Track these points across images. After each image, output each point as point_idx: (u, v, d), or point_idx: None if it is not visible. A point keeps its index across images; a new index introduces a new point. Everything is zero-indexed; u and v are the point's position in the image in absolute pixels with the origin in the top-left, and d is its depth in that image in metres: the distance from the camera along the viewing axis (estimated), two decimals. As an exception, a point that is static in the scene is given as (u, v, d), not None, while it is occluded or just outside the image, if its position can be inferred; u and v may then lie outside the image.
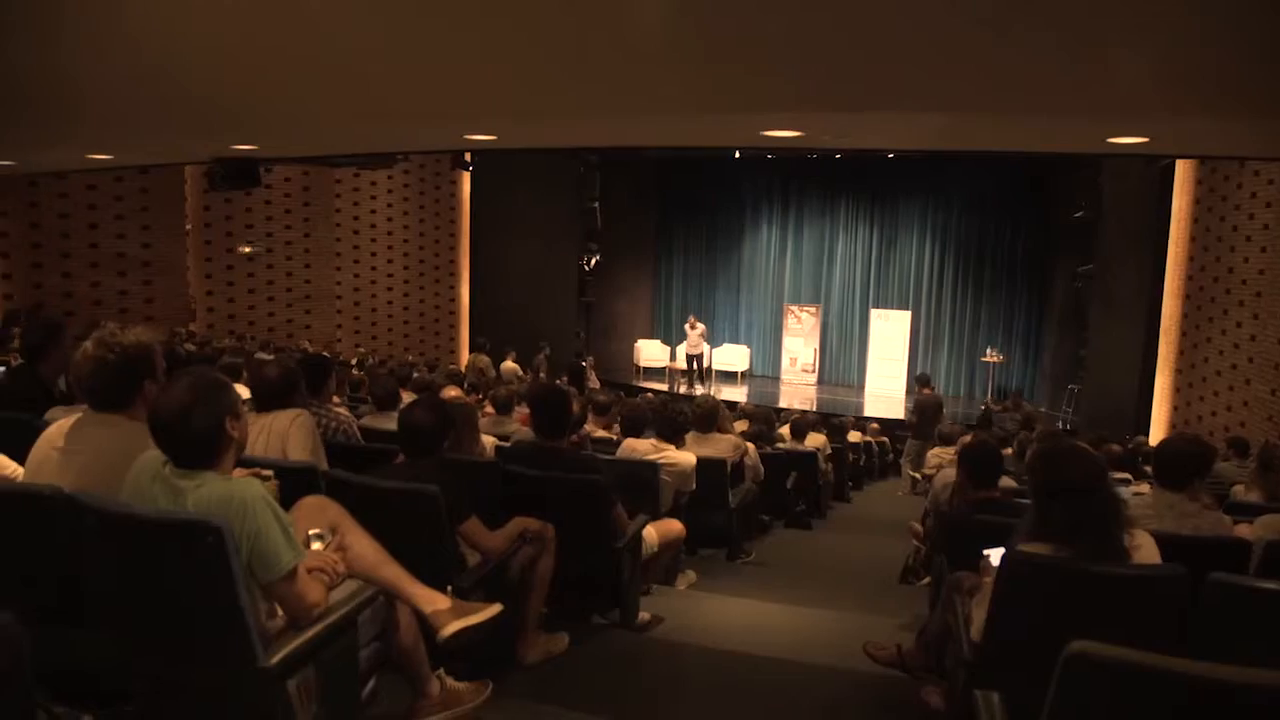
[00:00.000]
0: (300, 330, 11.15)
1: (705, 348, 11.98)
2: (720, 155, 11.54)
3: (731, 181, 13.38)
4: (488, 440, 3.42)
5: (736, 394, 11.96)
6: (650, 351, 14.18)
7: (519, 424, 4.53)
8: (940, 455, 5.79)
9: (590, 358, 12.08)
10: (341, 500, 2.25)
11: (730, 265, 13.86)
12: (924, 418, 7.76)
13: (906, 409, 10.80)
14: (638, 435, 3.90)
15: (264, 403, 2.90)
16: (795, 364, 13.19)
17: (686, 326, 12.06)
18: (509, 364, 10.19)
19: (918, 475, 6.63)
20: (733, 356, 13.53)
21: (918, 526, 4.17)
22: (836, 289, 13.28)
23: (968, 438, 3.89)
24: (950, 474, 3.45)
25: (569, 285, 12.99)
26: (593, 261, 12.83)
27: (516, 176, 12.23)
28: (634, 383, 13.15)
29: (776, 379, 13.31)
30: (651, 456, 3.66)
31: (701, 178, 13.57)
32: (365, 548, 2.21)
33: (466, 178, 12.27)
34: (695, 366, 12.02)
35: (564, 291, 12.97)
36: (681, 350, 13.16)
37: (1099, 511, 2.12)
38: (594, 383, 11.14)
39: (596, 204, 12.49)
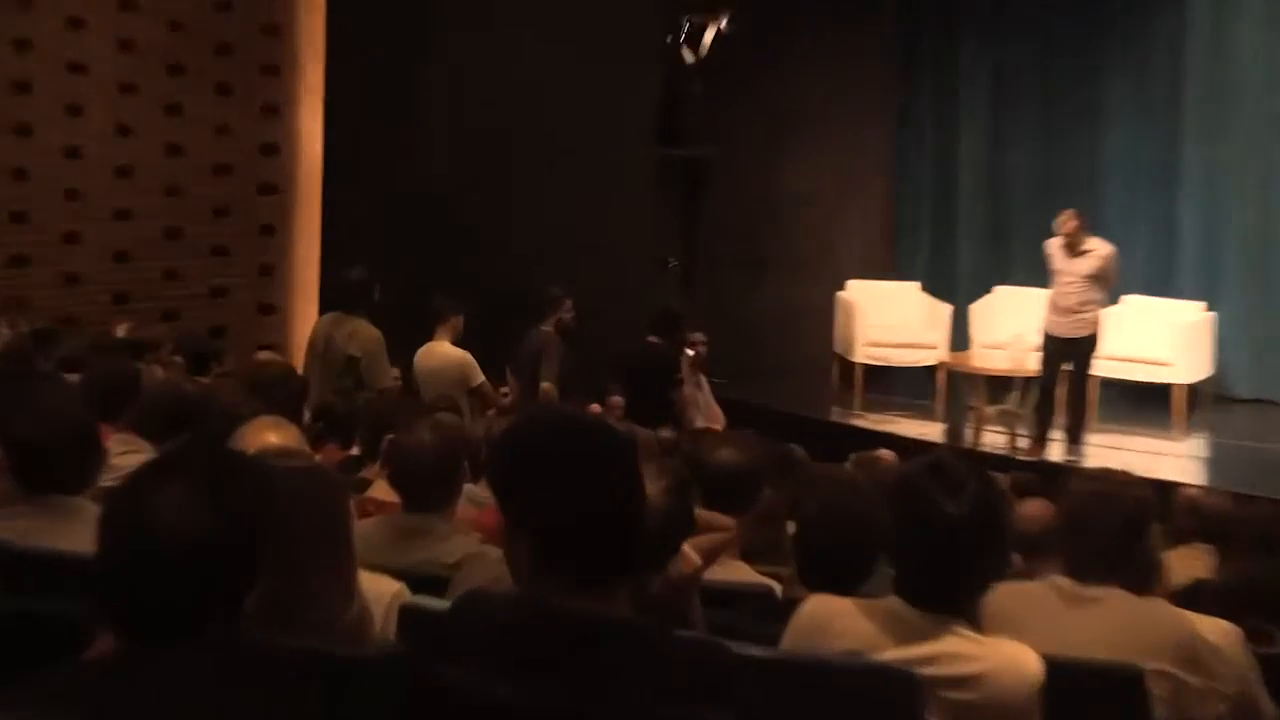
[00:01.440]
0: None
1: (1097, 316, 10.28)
2: None
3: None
4: (378, 588, 3.17)
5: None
6: (885, 315, 12.90)
7: (475, 533, 4.18)
8: None
9: (699, 337, 10.68)
10: None
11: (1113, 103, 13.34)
12: None
13: None
14: (844, 587, 3.31)
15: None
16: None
17: (1055, 245, 10.23)
18: (444, 349, 8.81)
19: None
20: (1152, 340, 11.81)
21: None
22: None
23: None
24: None
25: (630, 127, 12.35)
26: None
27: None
28: (844, 411, 12.27)
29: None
30: (906, 656, 2.94)
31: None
32: None
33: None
34: (1070, 367, 10.43)
35: (617, 157, 12.25)
36: (990, 315, 12.18)
37: None
38: (704, 409, 10.09)
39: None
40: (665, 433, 7.76)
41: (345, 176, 11.94)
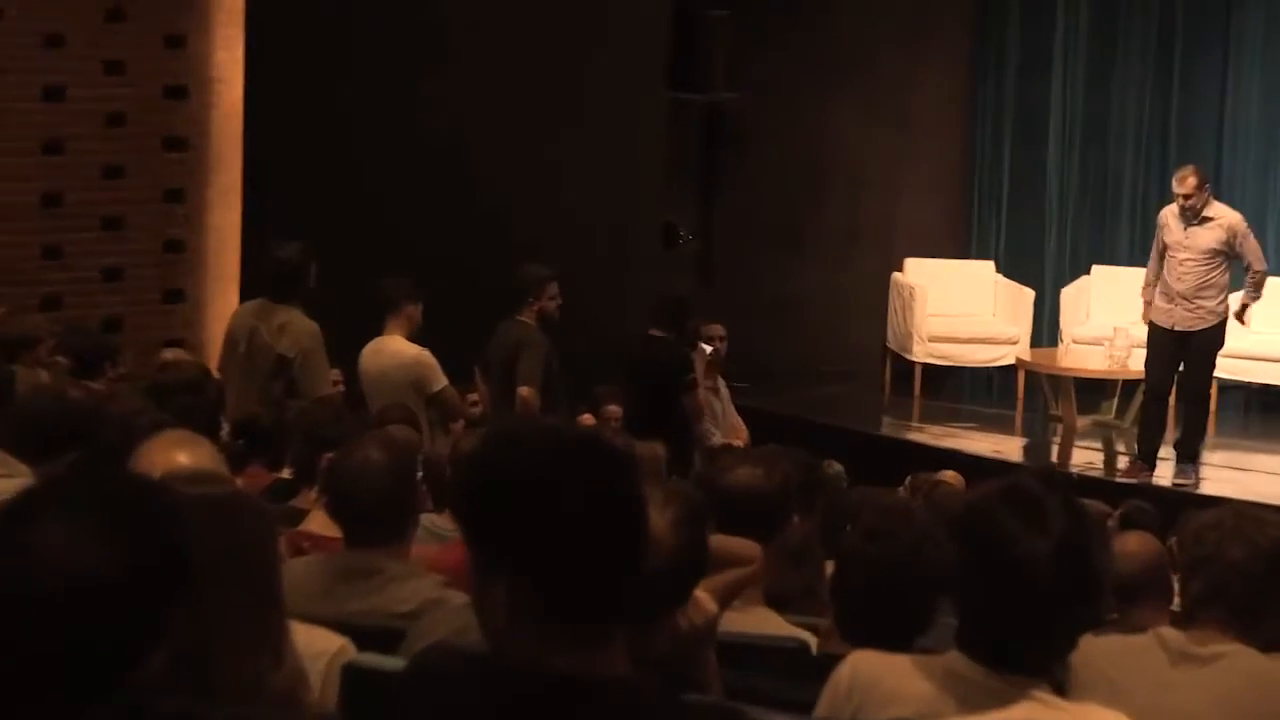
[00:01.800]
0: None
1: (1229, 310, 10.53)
2: None
3: None
4: (315, 643, 3.28)
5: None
6: (952, 302, 13.14)
7: (435, 574, 4.29)
8: None
9: (717, 330, 10.87)
10: None
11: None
12: None
13: None
14: (895, 641, 3.41)
15: None
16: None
17: (1170, 212, 10.34)
18: (397, 345, 8.94)
19: None
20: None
21: None
22: None
23: None
24: None
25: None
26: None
27: None
28: (899, 423, 12.65)
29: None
30: None
31: None
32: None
33: None
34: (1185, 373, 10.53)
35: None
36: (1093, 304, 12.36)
37: None
38: (722, 419, 10.36)
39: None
40: (673, 449, 7.82)
41: (273, 128, 11.97)
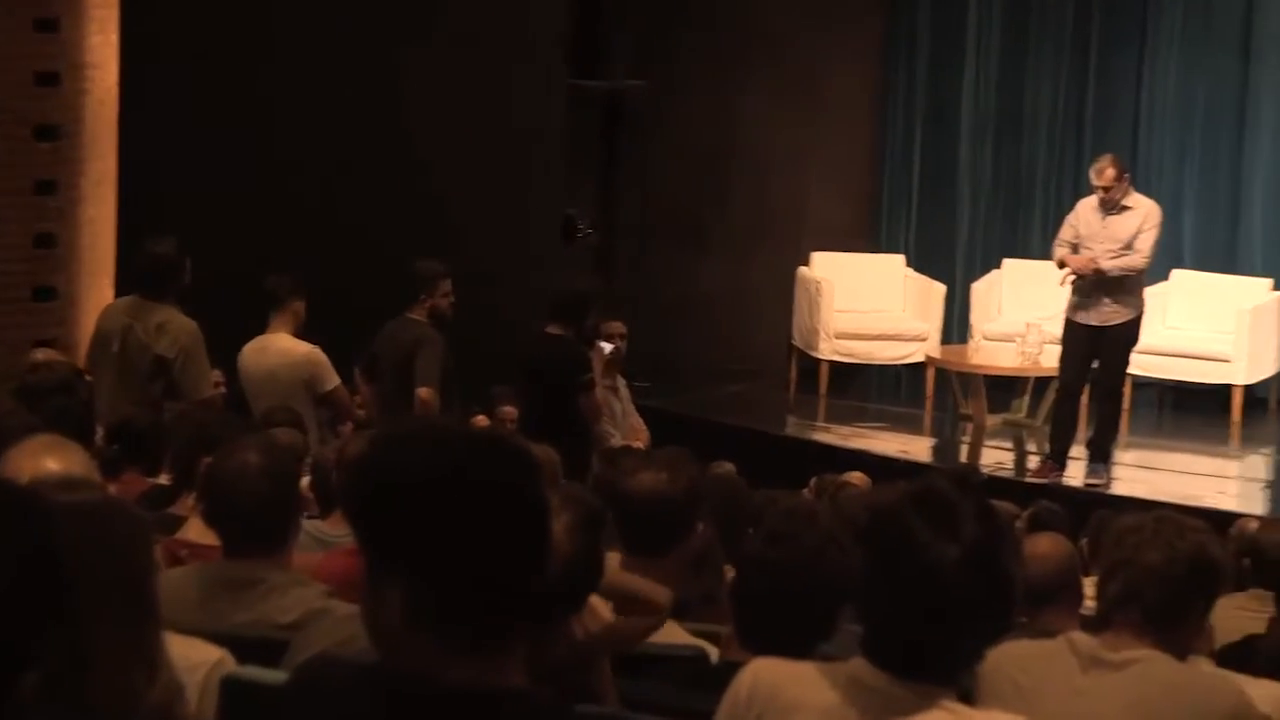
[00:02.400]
0: None
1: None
2: None
3: None
4: (192, 655, 3.31)
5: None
6: (860, 298, 13.29)
7: (319, 584, 4.30)
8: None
9: (617, 327, 10.88)
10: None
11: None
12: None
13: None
14: (797, 649, 3.31)
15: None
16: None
17: (1089, 204, 10.44)
18: (285, 343, 8.94)
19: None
20: (1207, 329, 12.44)
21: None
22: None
23: None
24: None
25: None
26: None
27: None
28: (804, 423, 12.62)
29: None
30: None
31: None
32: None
33: None
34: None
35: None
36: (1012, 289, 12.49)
37: None
38: (621, 420, 10.50)
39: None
40: (570, 451, 7.82)
41: (149, 116, 11.95)
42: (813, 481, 8.44)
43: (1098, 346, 10.17)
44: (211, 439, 5.43)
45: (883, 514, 2.92)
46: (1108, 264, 9.90)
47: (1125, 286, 10.04)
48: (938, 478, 3.26)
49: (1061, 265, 10.08)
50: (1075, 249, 10.02)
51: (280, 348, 8.96)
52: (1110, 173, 10.00)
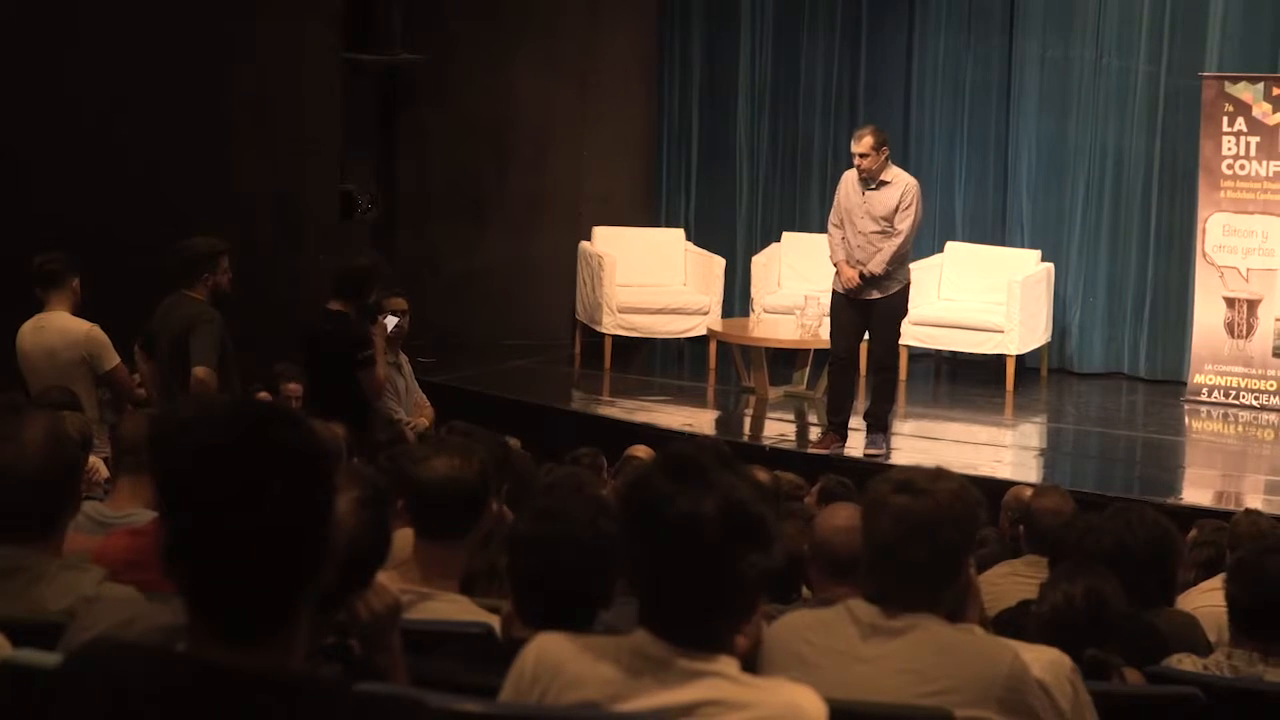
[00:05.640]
0: None
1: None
2: None
3: None
4: None
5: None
6: (642, 272, 13.37)
7: (96, 568, 4.18)
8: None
9: (399, 303, 10.71)
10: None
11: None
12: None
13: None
14: (576, 622, 3.54)
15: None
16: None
17: (850, 178, 10.49)
18: (64, 322, 8.83)
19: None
20: (978, 299, 12.70)
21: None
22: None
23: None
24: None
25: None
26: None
27: None
28: (588, 397, 12.61)
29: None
30: (657, 704, 3.06)
31: None
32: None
33: None
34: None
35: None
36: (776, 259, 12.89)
37: None
38: (405, 396, 10.31)
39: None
40: (355, 428, 7.75)
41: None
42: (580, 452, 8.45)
43: (866, 318, 10.19)
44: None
45: (634, 481, 2.96)
46: (875, 266, 9.93)
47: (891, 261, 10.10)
48: (682, 443, 3.31)
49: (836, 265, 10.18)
50: (845, 219, 10.05)
51: (59, 326, 8.81)
52: (869, 140, 9.98)
